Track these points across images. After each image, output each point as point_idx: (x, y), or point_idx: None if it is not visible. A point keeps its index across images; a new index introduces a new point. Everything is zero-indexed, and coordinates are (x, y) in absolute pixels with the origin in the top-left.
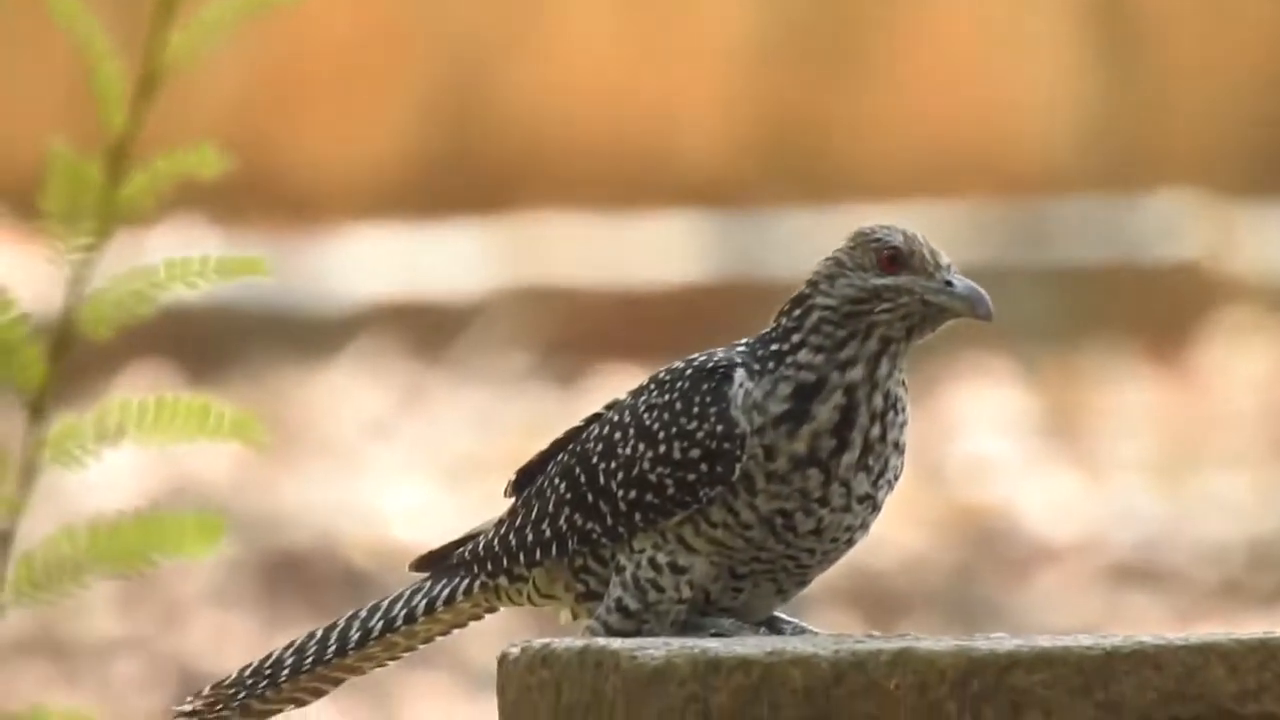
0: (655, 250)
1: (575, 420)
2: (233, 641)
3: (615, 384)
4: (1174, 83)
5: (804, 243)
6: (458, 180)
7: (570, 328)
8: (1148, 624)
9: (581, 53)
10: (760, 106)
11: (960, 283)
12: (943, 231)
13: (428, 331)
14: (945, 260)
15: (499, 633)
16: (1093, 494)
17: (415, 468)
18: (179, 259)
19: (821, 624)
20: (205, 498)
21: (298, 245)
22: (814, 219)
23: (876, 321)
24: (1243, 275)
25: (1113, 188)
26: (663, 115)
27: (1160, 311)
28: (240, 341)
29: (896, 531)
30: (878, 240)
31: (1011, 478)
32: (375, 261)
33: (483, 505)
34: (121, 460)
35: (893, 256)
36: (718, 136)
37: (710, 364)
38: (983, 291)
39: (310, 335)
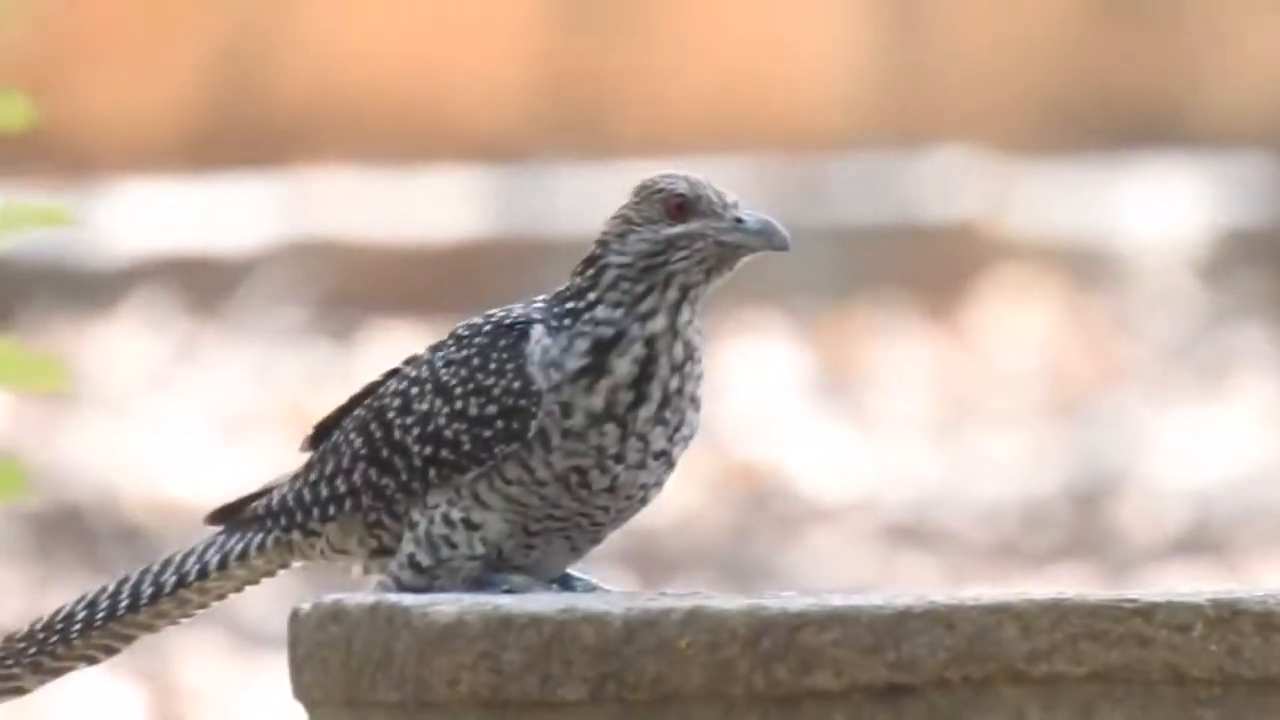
0: (435, 205)
1: (351, 376)
2: (7, 596)
3: (393, 340)
4: (951, 40)
5: (585, 199)
6: (236, 134)
7: (348, 282)
8: (922, 584)
9: (362, 6)
10: (541, 61)
11: (751, 217)
12: (723, 187)
13: (205, 285)
14: (732, 198)
15: (272, 590)
16: (868, 452)
17: (193, 422)
18: None
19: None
20: None
21: (74, 197)
22: (595, 175)
23: (674, 271)
24: (1018, 234)
25: (890, 145)
26: (442, 69)
27: (936, 269)
28: (15, 293)
29: (671, 489)
30: (662, 190)
31: (786, 435)
32: (152, 215)
33: (260, 459)
34: None
35: (680, 204)
36: (498, 91)
37: (508, 320)
38: (775, 223)
39: (87, 288)
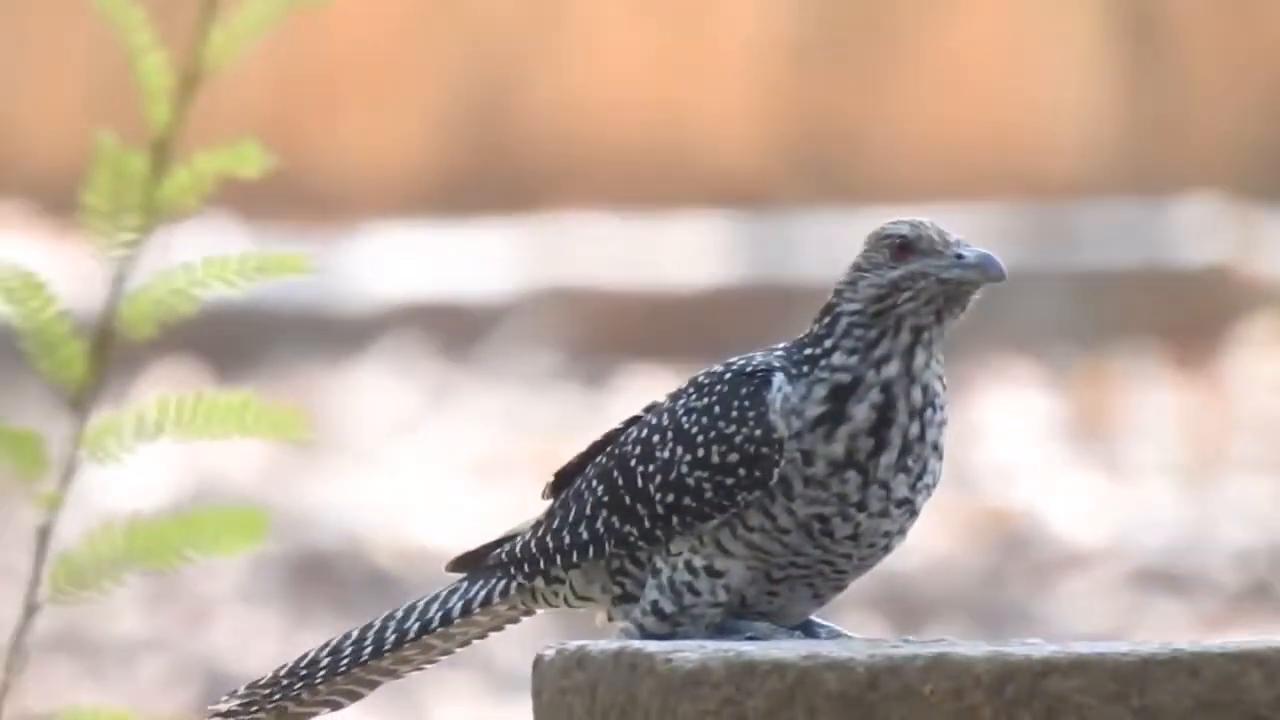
0: (682, 252)
1: (601, 421)
2: (258, 641)
3: (642, 385)
4: (1200, 86)
5: (831, 245)
6: (486, 180)
7: (597, 329)
8: (1173, 629)
9: (610, 52)
10: (788, 108)
11: (970, 252)
12: (970, 234)
13: (455, 331)
14: (954, 237)
15: (524, 634)
16: (1119, 499)
17: (442, 468)
18: (219, 257)
19: (846, 628)
20: (231, 497)
21: (325, 243)
22: (841, 221)
23: (903, 313)
24: (1269, 280)
25: (1140, 191)
26: (691, 116)
27: (1187, 316)
28: (266, 339)
29: (923, 535)
30: (887, 235)
31: (1038, 482)
32: (403, 260)
33: (509, 506)
34: (143, 460)
35: (902, 245)
36: (745, 138)
37: (749, 368)
38: (993, 255)
39: (337, 334)
